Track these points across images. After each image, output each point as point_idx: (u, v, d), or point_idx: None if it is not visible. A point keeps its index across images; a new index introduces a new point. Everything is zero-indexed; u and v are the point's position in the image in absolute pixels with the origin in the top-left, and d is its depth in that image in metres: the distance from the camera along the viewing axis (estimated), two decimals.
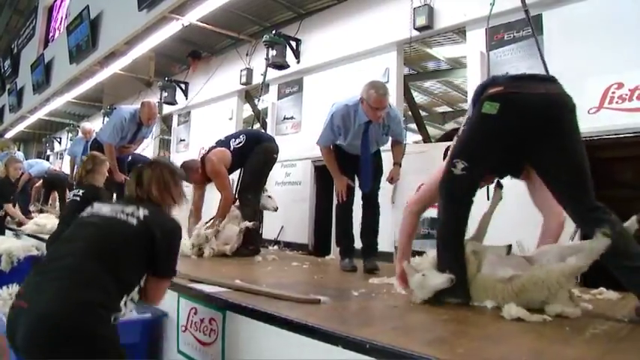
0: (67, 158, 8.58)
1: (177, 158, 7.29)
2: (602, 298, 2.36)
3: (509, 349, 1.56)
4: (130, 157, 5.55)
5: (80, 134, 7.14)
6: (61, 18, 8.93)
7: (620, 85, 3.14)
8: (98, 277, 1.62)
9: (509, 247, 2.23)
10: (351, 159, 3.46)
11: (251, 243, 4.00)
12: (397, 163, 3.56)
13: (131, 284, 1.76)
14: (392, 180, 3.56)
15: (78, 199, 3.75)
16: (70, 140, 10.43)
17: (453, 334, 1.69)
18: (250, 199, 4.11)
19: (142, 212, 1.80)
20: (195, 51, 7.58)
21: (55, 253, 1.76)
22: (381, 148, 3.56)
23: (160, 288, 1.91)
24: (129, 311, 1.76)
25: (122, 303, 1.68)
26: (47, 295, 1.55)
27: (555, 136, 2.01)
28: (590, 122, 3.02)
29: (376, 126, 3.33)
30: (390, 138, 3.52)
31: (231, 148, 4.13)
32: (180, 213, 2.07)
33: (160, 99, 7.82)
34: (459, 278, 2.08)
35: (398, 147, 3.58)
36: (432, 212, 3.88)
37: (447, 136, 4.22)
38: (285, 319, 1.76)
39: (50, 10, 9.75)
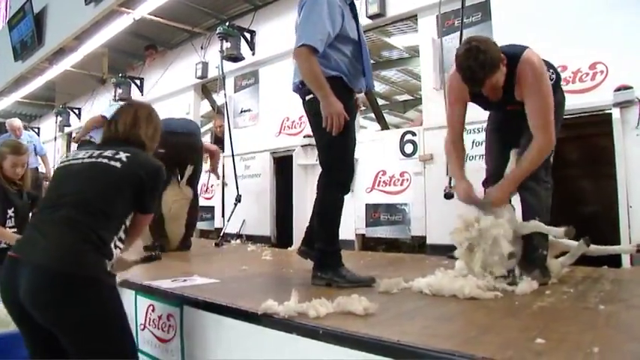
0: None
1: None
2: None
3: (460, 326, 1.61)
4: None
5: (8, 132, 6.48)
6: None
7: (564, 68, 3.24)
8: (89, 225, 1.60)
9: None
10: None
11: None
12: None
13: (118, 227, 1.72)
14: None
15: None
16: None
17: (406, 315, 1.72)
18: None
19: (123, 154, 1.76)
20: (153, 45, 7.39)
21: (46, 205, 1.72)
22: None
23: (144, 224, 1.89)
24: (117, 253, 1.72)
25: (112, 246, 1.66)
26: (41, 246, 1.54)
27: None
28: None
29: None
30: None
31: None
32: None
33: (115, 96, 7.58)
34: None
35: None
36: (379, 198, 3.97)
37: None
38: (240, 310, 1.76)
39: None
